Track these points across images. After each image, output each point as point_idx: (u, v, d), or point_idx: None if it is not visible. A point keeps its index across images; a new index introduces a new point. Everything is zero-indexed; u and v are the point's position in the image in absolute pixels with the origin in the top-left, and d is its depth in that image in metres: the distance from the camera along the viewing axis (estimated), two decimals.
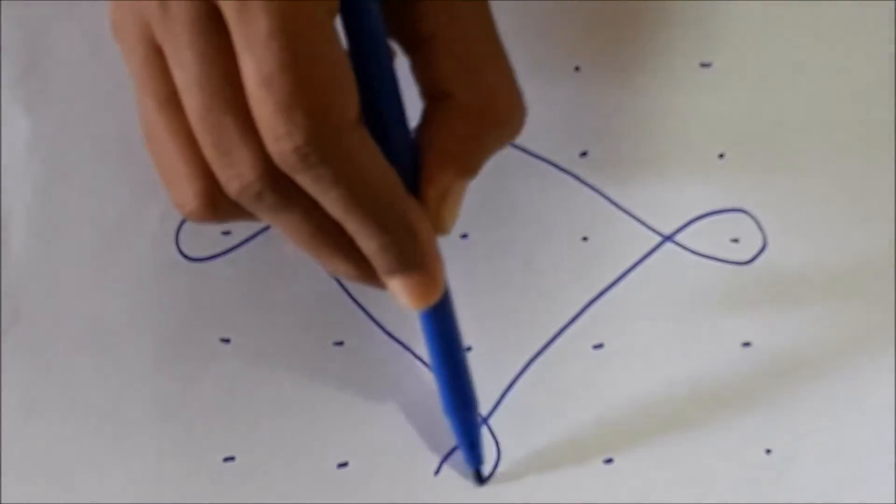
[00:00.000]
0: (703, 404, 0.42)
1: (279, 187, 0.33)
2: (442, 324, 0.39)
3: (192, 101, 0.33)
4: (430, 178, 0.36)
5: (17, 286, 0.42)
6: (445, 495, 0.41)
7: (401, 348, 0.42)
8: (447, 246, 0.43)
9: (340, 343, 0.42)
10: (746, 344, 0.42)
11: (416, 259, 0.35)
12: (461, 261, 0.43)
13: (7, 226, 0.43)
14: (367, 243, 0.34)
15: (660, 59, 0.45)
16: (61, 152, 0.44)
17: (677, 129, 0.44)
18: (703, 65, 0.45)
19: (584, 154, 0.44)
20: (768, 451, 0.41)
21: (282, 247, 0.43)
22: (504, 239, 0.44)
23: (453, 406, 0.40)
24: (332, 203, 0.33)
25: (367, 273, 0.36)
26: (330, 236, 0.35)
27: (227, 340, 0.42)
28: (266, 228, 0.43)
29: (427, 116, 0.37)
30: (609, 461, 0.41)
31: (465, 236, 0.43)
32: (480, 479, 0.41)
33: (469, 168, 0.37)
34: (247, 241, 0.43)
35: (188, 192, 0.34)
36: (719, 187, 0.44)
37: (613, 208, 0.44)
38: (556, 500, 0.41)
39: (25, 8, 0.45)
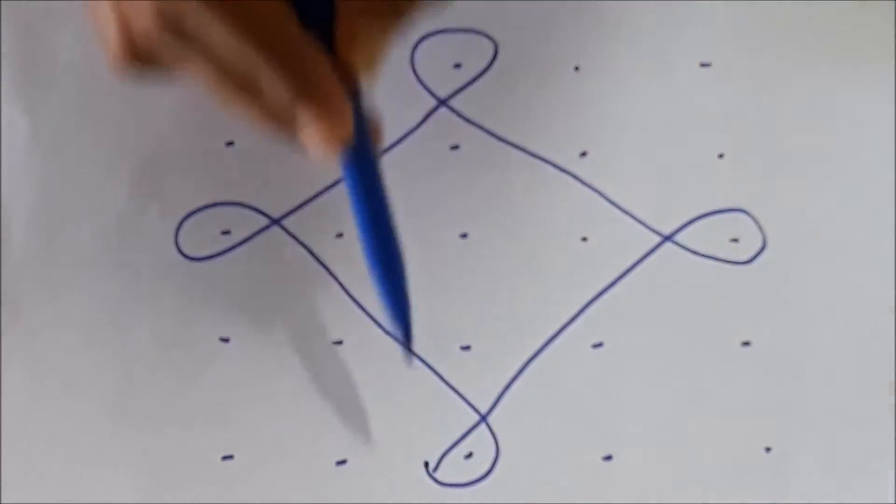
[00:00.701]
0: (702, 403, 0.42)
1: (177, 27, 0.33)
2: (358, 175, 0.37)
3: None
4: (342, 15, 0.36)
5: (17, 285, 0.42)
6: (444, 494, 0.41)
7: (400, 347, 0.42)
8: (447, 245, 0.43)
9: (340, 342, 0.42)
10: (746, 343, 0.42)
11: (314, 97, 0.34)
12: (461, 260, 0.43)
13: (7, 225, 0.43)
14: (265, 80, 0.34)
15: (659, 59, 0.45)
16: (61, 152, 0.44)
17: (677, 129, 0.44)
18: (703, 65, 0.45)
19: (583, 154, 0.44)
20: (768, 450, 0.41)
21: (281, 246, 0.43)
22: (504, 239, 0.43)
23: (377, 261, 0.38)
24: (222, 38, 0.33)
25: (278, 119, 0.35)
26: (237, 79, 0.34)
27: (226, 340, 0.42)
28: (265, 228, 0.43)
29: None
30: (608, 458, 0.41)
31: (464, 236, 0.43)
32: (409, 343, 0.39)
33: (385, 9, 0.36)
34: (246, 240, 0.43)
35: (111, 37, 0.34)
36: (719, 187, 0.44)
37: (613, 208, 0.44)
38: (555, 498, 0.41)
39: (25, 8, 0.45)
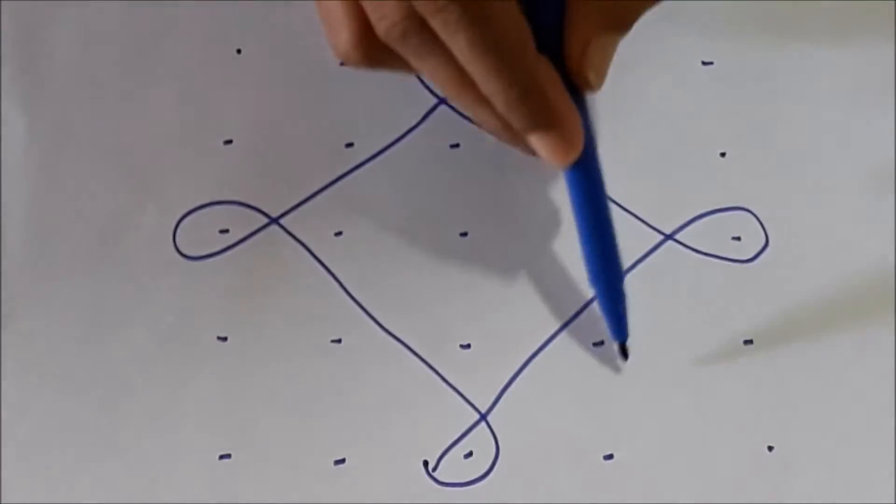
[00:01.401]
0: (703, 402, 0.42)
1: (422, 29, 0.34)
2: (585, 185, 0.39)
3: None
4: (573, 28, 0.37)
5: (14, 284, 0.42)
6: (442, 492, 0.41)
7: (399, 345, 0.42)
8: (447, 244, 0.43)
9: (338, 341, 0.42)
10: (748, 342, 0.42)
11: (544, 118, 0.36)
12: (461, 259, 0.43)
13: (4, 224, 0.43)
14: (496, 98, 0.35)
15: (661, 56, 0.45)
16: (58, 150, 0.44)
17: (679, 128, 0.44)
18: (705, 63, 0.45)
19: None
20: (770, 449, 0.41)
21: (279, 245, 0.43)
22: (504, 237, 0.43)
23: (599, 273, 0.40)
24: (459, 50, 0.34)
25: (508, 128, 0.37)
26: (472, 86, 0.35)
27: (224, 338, 0.42)
28: (263, 227, 0.43)
29: None
30: (609, 457, 0.41)
31: (464, 234, 0.43)
32: (625, 354, 0.41)
33: (615, 23, 0.37)
34: (244, 239, 0.43)
35: (342, 34, 0.36)
36: (721, 186, 0.44)
37: (614, 206, 0.43)
38: (555, 497, 0.41)
39: (23, 6, 0.45)
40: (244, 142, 0.44)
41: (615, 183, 0.43)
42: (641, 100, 0.45)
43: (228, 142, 0.44)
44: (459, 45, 0.34)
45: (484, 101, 0.36)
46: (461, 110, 0.36)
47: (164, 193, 0.43)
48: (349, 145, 0.44)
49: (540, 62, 0.36)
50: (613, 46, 0.37)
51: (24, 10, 0.45)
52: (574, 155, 0.37)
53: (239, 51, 0.45)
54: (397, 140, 0.44)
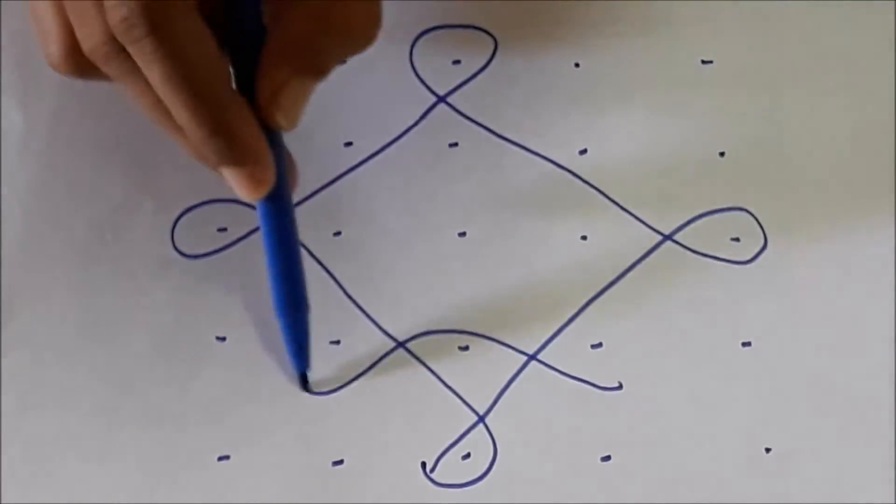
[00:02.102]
0: (701, 403, 0.42)
1: (123, 54, 0.35)
2: (274, 220, 0.39)
3: None
4: (265, 71, 0.37)
5: (12, 282, 0.42)
6: (440, 493, 0.41)
7: (398, 346, 0.42)
8: (445, 243, 0.43)
9: (337, 342, 0.42)
10: (746, 344, 0.42)
11: (234, 156, 0.36)
12: (460, 259, 0.43)
13: (1, 221, 0.43)
14: (188, 132, 0.36)
15: (660, 55, 0.45)
16: (56, 147, 0.43)
17: (678, 127, 0.44)
18: (704, 62, 0.45)
19: (583, 152, 0.44)
20: (768, 450, 0.41)
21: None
22: (503, 237, 0.43)
23: (283, 305, 0.40)
24: (154, 81, 0.35)
25: (203, 159, 0.37)
26: (169, 116, 0.36)
27: (222, 338, 0.42)
28: None
29: (275, 10, 0.38)
30: (606, 459, 0.41)
31: (463, 234, 0.43)
32: (305, 385, 0.41)
33: (308, 66, 0.37)
34: (243, 238, 0.43)
35: (53, 45, 0.37)
36: (720, 186, 0.44)
37: (613, 206, 0.43)
38: (553, 498, 0.41)
39: (23, 5, 0.44)
40: None
41: (613, 183, 0.44)
42: (640, 98, 0.45)
43: None
44: (154, 76, 0.35)
45: (180, 129, 0.36)
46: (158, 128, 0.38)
47: (162, 191, 0.43)
48: (348, 144, 0.44)
49: (234, 100, 0.36)
50: (306, 91, 0.38)
51: (24, 9, 0.44)
52: (263, 190, 0.38)
53: None
54: (396, 139, 0.44)
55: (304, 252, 0.43)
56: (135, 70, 0.35)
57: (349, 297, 0.43)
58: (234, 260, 0.43)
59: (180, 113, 0.35)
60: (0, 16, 0.44)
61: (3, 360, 0.41)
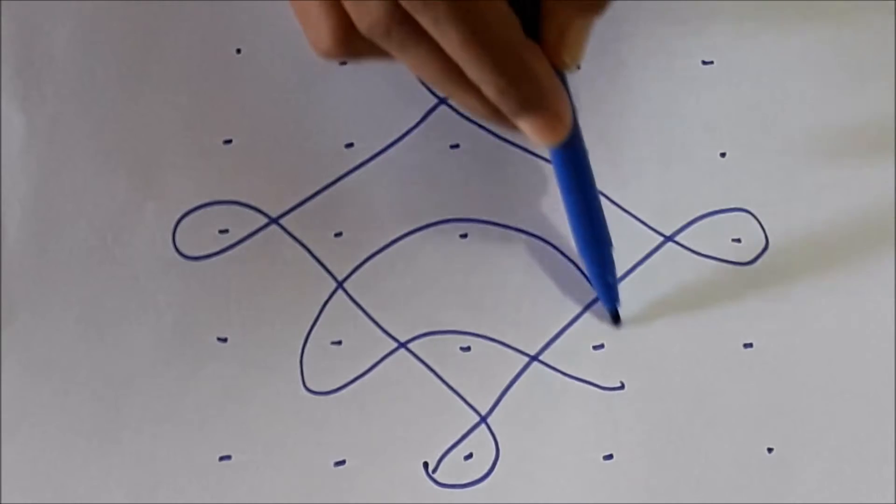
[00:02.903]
0: (703, 404, 0.42)
1: (406, 24, 0.34)
2: (572, 162, 0.40)
3: None
4: (549, 13, 0.37)
5: (13, 284, 0.42)
6: (442, 493, 0.41)
7: (399, 347, 0.42)
8: (447, 245, 0.43)
9: (339, 342, 0.42)
10: (748, 345, 0.42)
11: (536, 101, 0.36)
12: (461, 260, 0.43)
13: (3, 223, 0.43)
14: (488, 87, 0.35)
15: (661, 56, 0.45)
16: (57, 150, 0.43)
17: (679, 128, 0.44)
18: (705, 63, 0.45)
19: None
20: (770, 451, 0.41)
21: (279, 246, 0.43)
22: (504, 239, 0.43)
23: (587, 244, 0.41)
24: (450, 44, 0.34)
25: (496, 111, 0.37)
26: (458, 74, 0.35)
27: (224, 339, 0.42)
28: (263, 227, 0.43)
29: None
30: (608, 458, 0.41)
31: (464, 236, 0.43)
32: (617, 319, 0.42)
33: (590, 5, 0.37)
34: (244, 239, 0.43)
35: (322, 30, 0.36)
36: (721, 187, 0.44)
37: (614, 208, 0.43)
38: (555, 498, 0.41)
39: (23, 6, 0.44)
40: (244, 142, 0.44)
41: (615, 184, 0.44)
42: (641, 100, 0.45)
43: (228, 141, 0.44)
44: (450, 39, 0.34)
45: (472, 88, 0.36)
46: (444, 96, 0.36)
47: (164, 193, 0.43)
48: (349, 145, 0.44)
49: (527, 47, 0.36)
50: (588, 28, 0.38)
51: (24, 10, 0.44)
52: (564, 133, 0.38)
53: (239, 51, 0.45)
54: (397, 140, 0.44)
55: (303, 252, 0.43)
56: (418, 38, 0.34)
57: (350, 297, 0.42)
58: (235, 261, 0.43)
59: (479, 68, 0.35)
60: (0, 17, 0.44)
61: (3, 360, 0.41)
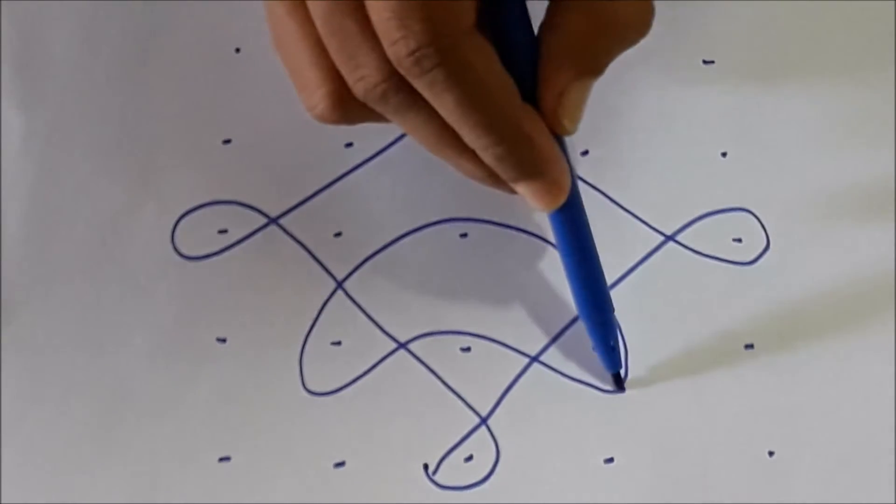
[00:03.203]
0: (704, 406, 0.42)
1: (403, 89, 0.34)
2: (571, 225, 0.39)
3: (317, 7, 0.33)
4: (546, 77, 0.36)
5: (12, 284, 0.42)
6: (442, 495, 0.41)
7: (399, 347, 0.42)
8: (447, 245, 0.43)
9: (338, 343, 0.42)
10: (749, 346, 0.42)
11: (534, 168, 0.36)
12: (461, 260, 0.43)
13: (2, 223, 0.43)
14: (485, 153, 0.35)
15: (662, 56, 0.45)
16: (56, 150, 0.43)
17: (679, 127, 0.44)
18: (706, 62, 0.45)
19: (584, 153, 0.44)
20: (770, 454, 0.41)
21: (279, 246, 0.43)
22: (505, 239, 0.43)
23: (588, 308, 0.40)
24: (447, 109, 0.34)
25: (493, 176, 0.37)
26: (455, 138, 0.35)
27: (223, 340, 0.42)
28: (262, 227, 0.43)
29: (548, 16, 0.37)
30: (609, 461, 0.41)
31: (464, 236, 0.43)
32: (620, 384, 0.42)
33: (588, 68, 0.37)
34: (243, 240, 0.43)
35: (317, 95, 0.35)
36: (722, 186, 0.44)
37: (615, 207, 0.43)
38: (556, 501, 0.41)
39: (23, 6, 0.44)
40: (244, 142, 0.44)
41: (615, 184, 0.44)
42: (642, 99, 0.45)
43: (228, 141, 0.44)
44: (446, 104, 0.33)
45: (468, 152, 0.36)
46: (442, 160, 0.37)
47: (163, 193, 0.43)
48: (349, 145, 0.44)
49: (525, 112, 0.36)
50: (587, 92, 0.37)
51: (24, 10, 0.44)
52: (562, 199, 0.37)
53: (238, 50, 0.45)
54: (397, 140, 0.44)
55: (303, 253, 0.43)
56: (415, 103, 0.34)
57: (350, 297, 0.42)
58: (234, 262, 0.43)
59: (476, 134, 0.34)
60: (0, 17, 0.44)
61: (3, 360, 0.41)
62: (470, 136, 0.34)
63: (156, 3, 0.45)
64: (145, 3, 0.45)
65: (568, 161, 0.38)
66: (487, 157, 0.35)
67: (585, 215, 0.39)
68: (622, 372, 0.42)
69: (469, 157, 0.36)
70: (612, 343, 0.41)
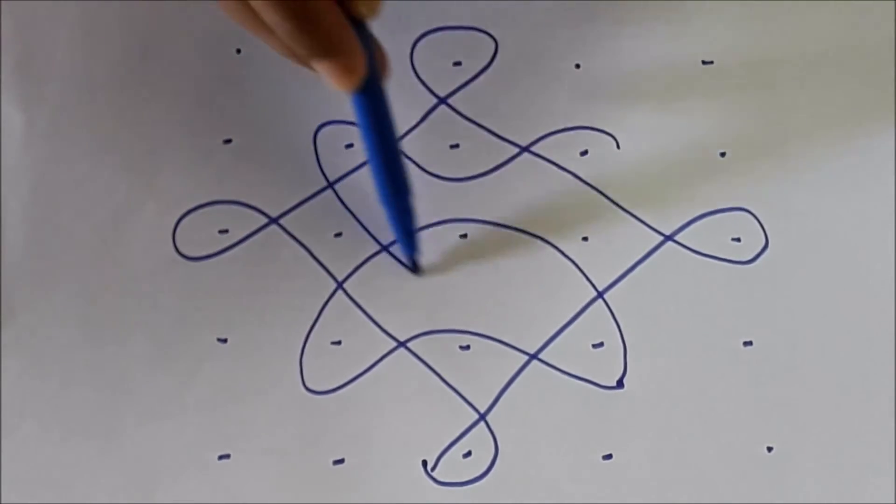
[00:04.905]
0: (703, 402, 0.41)
1: None
2: (371, 110, 0.40)
3: None
4: None
5: (13, 283, 0.42)
6: (442, 492, 0.41)
7: (398, 346, 0.42)
8: (447, 243, 0.43)
9: (338, 342, 0.42)
10: (747, 343, 0.42)
11: (324, 48, 0.37)
12: (462, 260, 0.43)
13: (3, 223, 0.43)
14: (277, 29, 0.37)
15: (661, 56, 0.45)
16: (57, 149, 0.44)
17: (679, 127, 0.44)
18: (705, 62, 0.45)
19: (584, 153, 0.44)
20: (769, 449, 0.41)
21: (279, 246, 0.43)
22: (504, 238, 0.43)
23: (388, 193, 0.41)
24: None
25: (294, 53, 0.38)
26: (260, 21, 0.37)
27: (223, 339, 0.42)
28: (263, 227, 0.43)
29: None
30: (608, 457, 0.41)
31: (464, 236, 0.43)
32: (416, 269, 0.43)
33: None
34: (244, 240, 0.43)
35: None
36: (721, 186, 0.44)
37: (614, 207, 0.43)
38: (554, 497, 0.40)
39: (23, 6, 0.45)
40: (244, 142, 0.44)
41: (616, 184, 0.44)
42: (641, 99, 0.45)
43: (228, 141, 0.44)
44: None
45: (268, 29, 0.37)
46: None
47: (164, 193, 0.43)
48: (349, 146, 0.44)
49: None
50: None
51: (24, 10, 0.44)
52: (356, 80, 0.38)
53: (239, 51, 0.45)
54: (397, 140, 0.44)
55: (303, 252, 0.43)
56: None
57: (350, 297, 0.42)
58: (235, 261, 0.43)
59: (268, 13, 0.36)
60: (0, 17, 0.44)
61: (3, 360, 0.42)
62: (262, 12, 0.36)
63: (156, 4, 0.45)
64: (146, 4, 0.45)
65: (369, 47, 0.38)
66: (281, 34, 0.37)
67: (387, 103, 0.40)
68: (418, 258, 0.43)
69: (270, 33, 0.37)
70: (409, 226, 0.42)
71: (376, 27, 0.39)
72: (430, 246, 0.43)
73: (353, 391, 0.41)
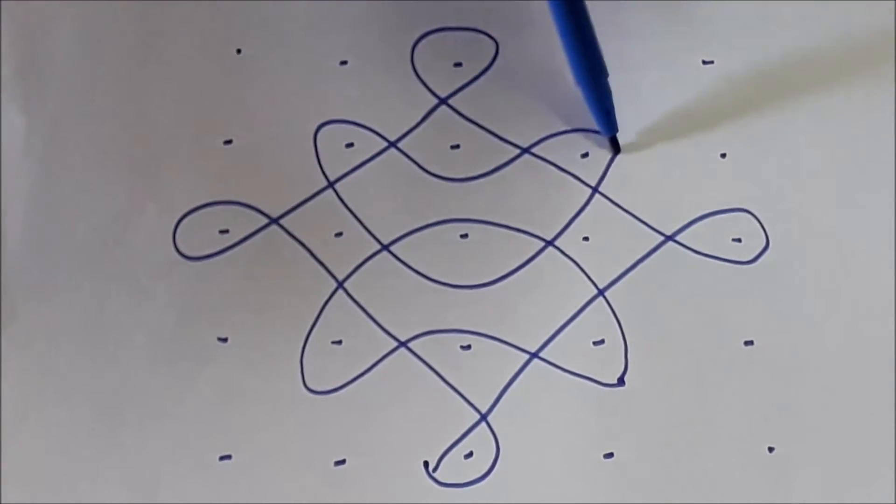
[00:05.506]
0: (704, 402, 0.41)
1: None
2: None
3: None
4: None
5: (14, 284, 0.42)
6: (443, 492, 0.41)
7: (399, 346, 0.42)
8: (445, 242, 0.43)
9: (339, 342, 0.42)
10: (748, 343, 0.42)
11: None
12: (462, 260, 0.43)
13: (3, 224, 0.43)
14: None
15: (661, 56, 0.45)
16: (58, 150, 0.44)
17: (679, 128, 0.44)
18: (705, 62, 0.45)
19: (585, 155, 0.44)
20: (770, 450, 0.41)
21: (280, 246, 0.43)
22: (504, 239, 0.43)
23: (585, 74, 0.43)
24: None
25: None
26: None
27: (224, 339, 0.42)
28: (263, 227, 0.43)
29: None
30: (609, 456, 0.41)
31: (465, 236, 0.43)
32: (616, 147, 0.44)
33: None
34: (245, 239, 0.43)
35: None
36: (721, 187, 0.44)
37: (614, 207, 0.43)
38: (555, 497, 0.40)
39: (23, 6, 0.45)
40: (244, 142, 0.44)
41: (615, 184, 0.44)
42: (641, 99, 0.45)
43: (228, 142, 0.44)
44: None
45: None
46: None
47: (164, 193, 0.43)
48: (349, 145, 0.44)
49: None
50: None
51: (25, 10, 0.44)
52: None
53: (239, 51, 0.45)
54: (397, 140, 0.44)
55: (304, 253, 0.43)
56: None
57: (350, 297, 0.42)
58: (235, 262, 0.43)
59: None
60: (0, 18, 0.44)
61: (3, 360, 0.41)
62: None
63: (157, 4, 0.45)
64: (146, 4, 0.45)
65: None
66: None
67: None
68: (618, 136, 0.44)
69: None
70: (607, 105, 0.43)
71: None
72: (431, 246, 0.43)
73: (354, 391, 0.41)
